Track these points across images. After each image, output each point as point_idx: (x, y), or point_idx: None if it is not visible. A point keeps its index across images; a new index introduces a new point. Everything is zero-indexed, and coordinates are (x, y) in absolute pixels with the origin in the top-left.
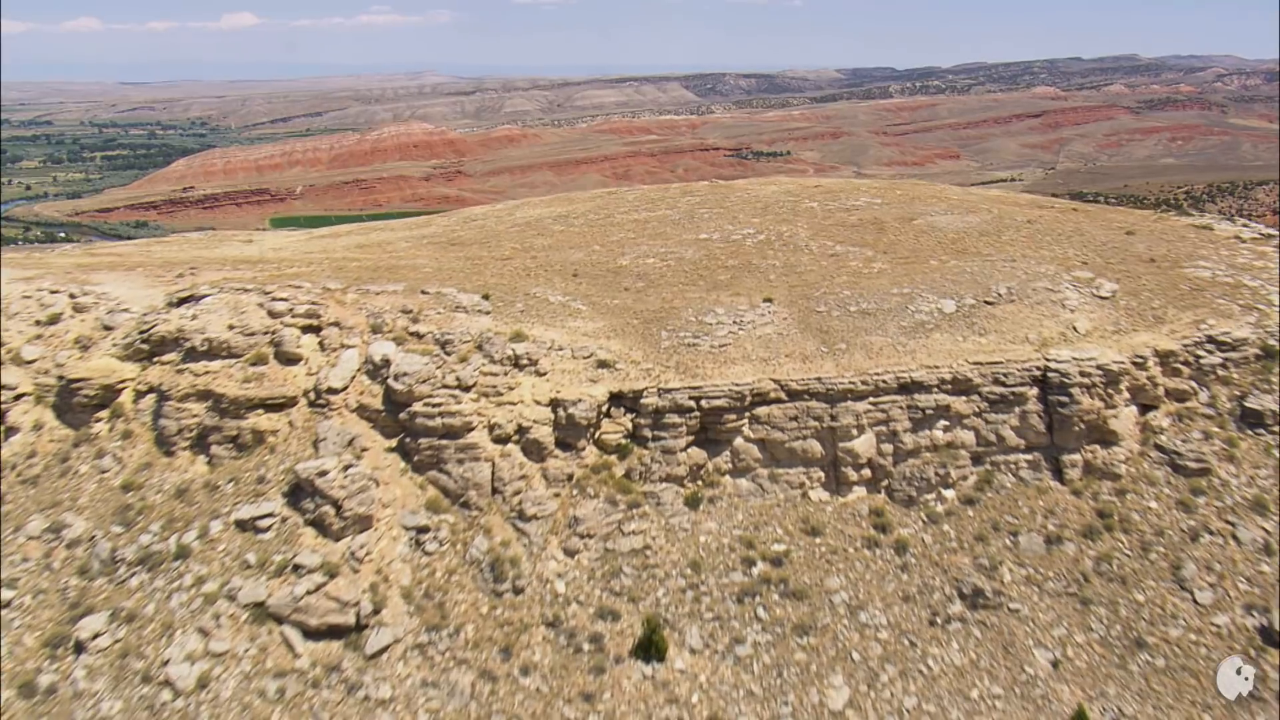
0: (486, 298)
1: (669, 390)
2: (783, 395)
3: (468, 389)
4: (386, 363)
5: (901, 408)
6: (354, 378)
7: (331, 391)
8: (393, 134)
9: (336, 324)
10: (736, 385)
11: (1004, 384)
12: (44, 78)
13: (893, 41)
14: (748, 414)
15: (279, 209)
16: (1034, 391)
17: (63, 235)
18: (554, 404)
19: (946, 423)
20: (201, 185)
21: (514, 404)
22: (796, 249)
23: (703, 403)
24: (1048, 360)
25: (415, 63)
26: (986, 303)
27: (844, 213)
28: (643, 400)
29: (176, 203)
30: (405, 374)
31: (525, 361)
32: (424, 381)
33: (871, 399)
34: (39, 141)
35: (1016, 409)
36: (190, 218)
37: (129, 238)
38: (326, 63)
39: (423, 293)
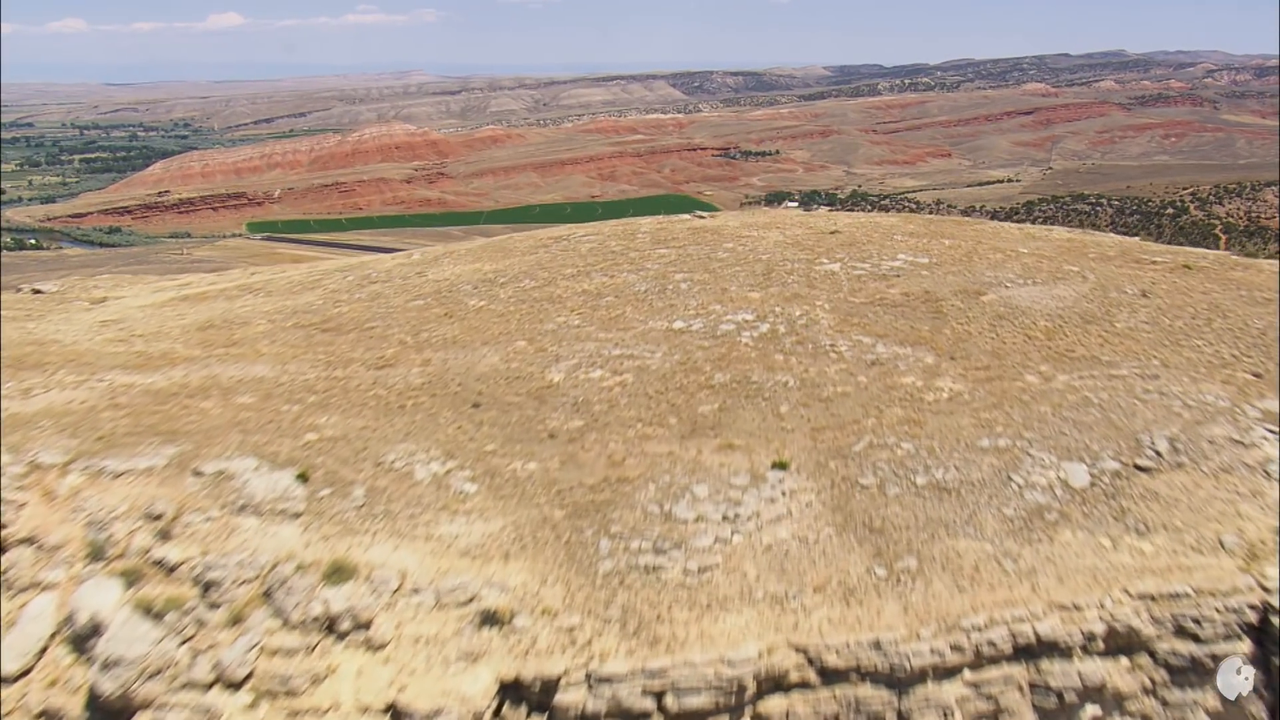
0: (303, 478)
1: (607, 679)
2: (812, 677)
3: (236, 686)
4: (97, 630)
5: (1020, 688)
6: (45, 652)
7: (4, 681)
8: (374, 135)
9: (32, 541)
10: (729, 664)
11: (1195, 636)
12: (28, 79)
13: (880, 38)
14: (750, 710)
15: (256, 213)
16: (1245, 647)
17: (33, 242)
18: (393, 713)
19: (1097, 710)
20: (178, 189)
21: (321, 712)
22: (817, 351)
23: (668, 700)
24: (1267, 590)
25: (402, 62)
26: (1138, 467)
27: (878, 280)
28: (560, 697)
29: (151, 207)
30: (122, 659)
31: (348, 624)
32: (155, 674)
33: (970, 674)
34: (18, 144)
35: (1218, 680)
36: (166, 223)
37: (101, 244)
38: (313, 63)
39: (196, 473)
